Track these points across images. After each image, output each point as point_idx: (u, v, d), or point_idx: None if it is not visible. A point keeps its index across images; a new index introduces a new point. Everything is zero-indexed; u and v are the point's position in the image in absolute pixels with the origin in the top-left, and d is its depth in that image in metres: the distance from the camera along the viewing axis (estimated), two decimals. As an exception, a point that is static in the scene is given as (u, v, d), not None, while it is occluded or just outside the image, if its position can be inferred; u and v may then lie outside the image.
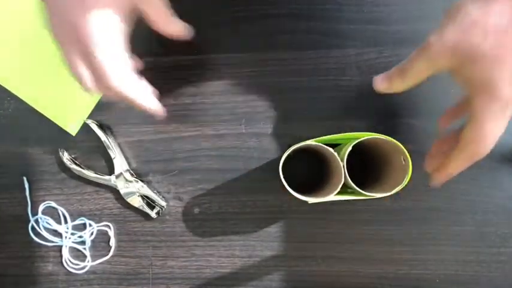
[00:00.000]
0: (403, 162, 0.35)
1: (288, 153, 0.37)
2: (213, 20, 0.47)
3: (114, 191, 0.46)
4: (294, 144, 0.38)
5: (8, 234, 0.47)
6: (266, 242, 0.45)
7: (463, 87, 0.31)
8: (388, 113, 0.44)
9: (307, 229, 0.45)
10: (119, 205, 0.46)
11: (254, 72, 0.46)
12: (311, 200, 0.37)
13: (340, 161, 0.35)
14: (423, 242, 0.44)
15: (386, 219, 0.44)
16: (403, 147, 0.35)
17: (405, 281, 0.44)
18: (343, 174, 0.35)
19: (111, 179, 0.45)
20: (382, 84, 0.35)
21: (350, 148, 0.35)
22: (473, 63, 0.29)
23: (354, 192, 0.37)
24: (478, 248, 0.43)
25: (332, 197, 0.36)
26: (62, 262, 0.46)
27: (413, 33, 0.45)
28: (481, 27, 0.28)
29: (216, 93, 0.46)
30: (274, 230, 0.45)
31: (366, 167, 0.43)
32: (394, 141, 0.35)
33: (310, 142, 0.36)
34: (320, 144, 0.36)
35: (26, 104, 0.47)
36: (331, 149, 0.36)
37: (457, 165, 0.33)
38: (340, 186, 0.35)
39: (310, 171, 0.45)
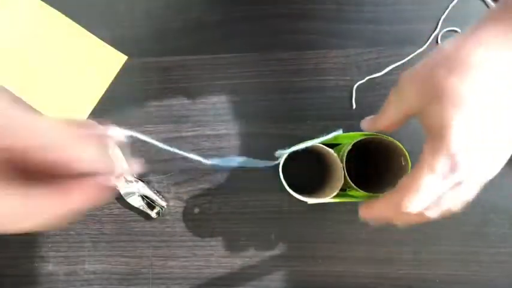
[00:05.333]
0: (403, 163, 0.35)
1: (288, 153, 0.37)
2: (213, 20, 0.47)
3: (114, 191, 0.46)
4: (294, 144, 0.38)
5: (8, 234, 0.47)
6: (266, 242, 0.45)
7: (424, 132, 0.28)
8: (388, 113, 0.44)
9: (307, 229, 0.45)
10: (119, 205, 0.46)
11: (254, 72, 0.46)
12: (310, 200, 0.37)
13: (340, 161, 0.35)
14: (423, 242, 0.44)
15: (386, 219, 0.44)
16: (403, 148, 0.35)
17: (405, 281, 0.44)
18: (342, 174, 0.35)
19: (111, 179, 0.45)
20: (364, 125, 0.34)
21: (349, 147, 0.35)
22: (435, 102, 0.26)
23: (353, 194, 0.37)
24: (478, 248, 0.43)
25: (331, 198, 0.36)
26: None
27: (413, 33, 0.45)
28: (449, 62, 0.26)
29: (216, 93, 0.46)
30: (274, 230, 0.45)
31: (366, 168, 0.43)
32: (394, 141, 0.35)
33: (311, 142, 0.36)
34: (320, 144, 0.36)
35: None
36: (330, 150, 0.36)
37: (380, 209, 0.29)
38: (340, 186, 0.35)
39: (310, 171, 0.45)
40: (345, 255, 0.44)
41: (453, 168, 0.25)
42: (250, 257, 0.45)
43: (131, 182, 0.45)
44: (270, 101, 0.46)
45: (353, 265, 0.44)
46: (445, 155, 0.25)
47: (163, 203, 0.45)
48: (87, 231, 0.46)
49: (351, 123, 0.45)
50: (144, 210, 0.45)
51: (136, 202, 0.45)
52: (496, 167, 0.26)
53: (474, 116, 0.25)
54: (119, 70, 0.47)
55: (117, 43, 0.48)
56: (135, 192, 0.45)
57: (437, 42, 0.45)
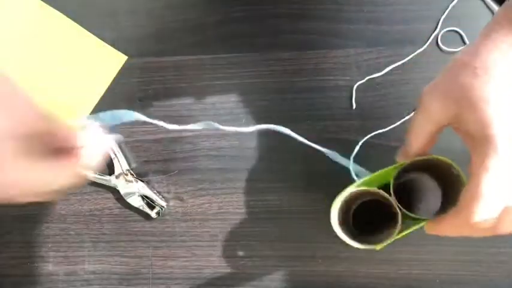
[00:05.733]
0: (455, 173, 0.32)
1: (340, 203, 0.34)
2: (213, 20, 0.47)
3: (114, 191, 0.46)
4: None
5: (8, 234, 0.47)
6: (266, 242, 0.45)
7: (466, 142, 0.28)
8: (388, 113, 0.44)
9: (307, 229, 0.45)
10: (119, 205, 0.46)
11: (254, 72, 0.46)
12: (378, 246, 0.34)
13: (390, 197, 0.33)
14: (423, 242, 0.44)
15: (386, 219, 0.44)
16: (447, 160, 0.32)
17: (405, 281, 0.44)
18: (399, 218, 0.32)
19: (111, 179, 0.45)
20: (399, 158, 0.33)
21: (393, 181, 0.33)
22: (468, 108, 0.26)
23: (411, 222, 0.34)
24: (478, 248, 0.43)
25: (396, 235, 0.33)
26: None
27: (414, 33, 0.45)
28: (471, 68, 0.26)
29: (216, 93, 0.46)
30: (274, 230, 0.45)
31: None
32: (434, 156, 0.32)
33: (355, 189, 0.34)
34: (367, 188, 0.34)
35: (26, 104, 0.47)
36: (379, 190, 0.33)
37: (448, 225, 0.29)
38: (400, 221, 0.32)
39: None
40: (345, 255, 0.44)
41: (507, 165, 0.25)
42: (250, 257, 0.45)
43: (131, 182, 0.45)
44: (270, 101, 0.46)
45: (353, 265, 0.44)
46: (495, 154, 0.25)
47: (163, 203, 0.45)
48: (87, 231, 0.46)
49: (351, 123, 0.45)
50: (144, 210, 0.45)
51: (136, 202, 0.45)
52: None
53: (509, 111, 0.25)
54: (119, 70, 0.47)
55: (117, 43, 0.48)
56: (135, 192, 0.45)
57: (437, 42, 0.45)
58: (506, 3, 0.28)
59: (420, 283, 0.43)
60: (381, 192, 0.33)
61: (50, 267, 0.46)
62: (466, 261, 0.43)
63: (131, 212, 0.46)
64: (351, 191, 0.34)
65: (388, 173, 0.34)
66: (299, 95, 0.45)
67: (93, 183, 0.46)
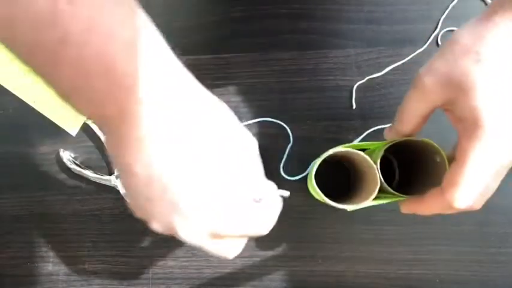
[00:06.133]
0: (438, 161, 0.33)
1: (320, 161, 0.36)
2: (213, 20, 0.47)
3: (114, 191, 0.46)
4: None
5: (8, 234, 0.47)
6: (266, 242, 0.45)
7: (455, 126, 0.28)
8: (388, 113, 0.44)
9: (307, 229, 0.45)
10: (119, 205, 0.46)
11: (254, 72, 0.46)
12: (350, 207, 0.34)
13: (374, 163, 0.33)
14: (423, 242, 0.44)
15: (386, 219, 0.44)
16: (436, 145, 0.32)
17: (405, 281, 0.44)
18: (378, 177, 0.33)
19: (111, 179, 0.45)
20: (387, 135, 0.33)
21: (382, 153, 0.33)
22: (465, 94, 0.26)
23: (387, 195, 0.35)
24: (478, 248, 0.43)
25: (372, 201, 0.34)
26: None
27: (413, 33, 0.45)
28: (473, 53, 0.25)
29: (216, 93, 0.46)
30: (274, 230, 0.45)
31: (393, 172, 0.42)
32: (424, 140, 0.33)
33: (341, 149, 0.35)
34: (352, 150, 0.34)
35: (26, 104, 0.47)
36: (363, 153, 0.34)
37: (428, 206, 0.30)
38: (377, 189, 0.33)
39: (335, 179, 0.44)
40: (345, 255, 0.44)
41: (493, 156, 0.25)
42: (250, 257, 0.45)
43: (131, 182, 0.45)
44: (270, 101, 0.46)
45: (353, 265, 0.44)
46: (484, 144, 0.25)
47: (163, 203, 0.45)
48: (87, 231, 0.46)
49: (351, 123, 0.45)
50: (144, 210, 0.45)
51: (136, 202, 0.45)
52: None
53: (506, 101, 0.25)
54: (119, 70, 0.47)
55: (117, 43, 0.48)
56: (135, 192, 0.45)
57: (437, 42, 0.45)
58: None
59: (420, 283, 0.43)
60: (367, 158, 0.34)
61: (50, 267, 0.47)
62: (466, 261, 0.43)
63: (131, 212, 0.46)
64: (337, 150, 0.34)
65: (377, 146, 0.35)
66: (299, 95, 0.45)
67: (93, 183, 0.46)
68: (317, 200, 0.39)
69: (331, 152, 0.34)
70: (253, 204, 0.26)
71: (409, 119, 0.30)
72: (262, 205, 0.27)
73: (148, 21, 0.21)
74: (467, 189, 0.26)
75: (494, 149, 0.25)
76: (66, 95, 0.21)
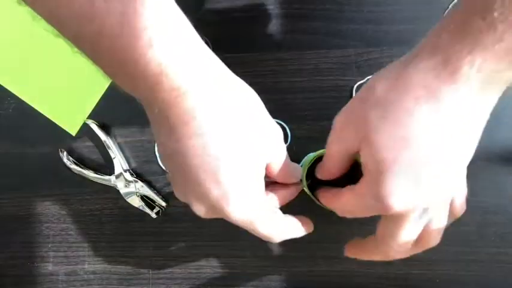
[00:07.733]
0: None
1: (311, 162, 0.36)
2: (213, 20, 0.47)
3: (114, 191, 0.46)
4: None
5: (8, 234, 0.47)
6: (266, 242, 0.45)
7: (362, 168, 0.28)
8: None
9: (307, 229, 0.45)
10: (119, 205, 0.46)
11: (254, 72, 0.46)
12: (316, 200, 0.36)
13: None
14: (423, 242, 0.44)
15: (386, 219, 0.44)
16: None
17: (405, 281, 0.44)
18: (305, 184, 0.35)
19: (111, 179, 0.45)
20: (319, 175, 0.34)
21: (305, 171, 0.35)
22: (368, 145, 0.25)
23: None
24: (478, 248, 0.43)
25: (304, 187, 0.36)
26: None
27: (413, 33, 0.45)
28: (380, 106, 0.24)
29: (216, 93, 0.46)
30: (274, 230, 0.45)
31: None
32: None
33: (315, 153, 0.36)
34: (321, 151, 0.35)
35: (26, 104, 0.47)
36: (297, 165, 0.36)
37: (365, 257, 0.33)
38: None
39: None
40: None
41: (387, 211, 0.26)
42: (250, 257, 0.45)
43: (131, 182, 0.45)
44: (270, 101, 0.45)
45: (353, 265, 0.44)
46: (380, 202, 0.26)
47: (163, 203, 0.45)
48: (87, 231, 0.46)
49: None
50: (144, 210, 0.45)
51: (136, 202, 0.45)
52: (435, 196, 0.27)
53: (405, 161, 0.24)
54: (119, 70, 0.47)
55: (117, 43, 0.48)
56: (135, 192, 0.45)
57: (437, 42, 0.45)
58: (437, 24, 0.26)
59: (420, 283, 0.43)
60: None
61: (50, 267, 0.47)
62: (466, 261, 0.43)
63: (131, 212, 0.46)
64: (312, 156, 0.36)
65: None
66: (299, 95, 0.45)
67: (93, 183, 0.46)
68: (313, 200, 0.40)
69: (311, 156, 0.35)
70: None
71: (330, 164, 0.31)
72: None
73: (179, 13, 0.23)
74: (399, 240, 0.29)
75: (384, 206, 0.26)
76: (111, 77, 0.25)
